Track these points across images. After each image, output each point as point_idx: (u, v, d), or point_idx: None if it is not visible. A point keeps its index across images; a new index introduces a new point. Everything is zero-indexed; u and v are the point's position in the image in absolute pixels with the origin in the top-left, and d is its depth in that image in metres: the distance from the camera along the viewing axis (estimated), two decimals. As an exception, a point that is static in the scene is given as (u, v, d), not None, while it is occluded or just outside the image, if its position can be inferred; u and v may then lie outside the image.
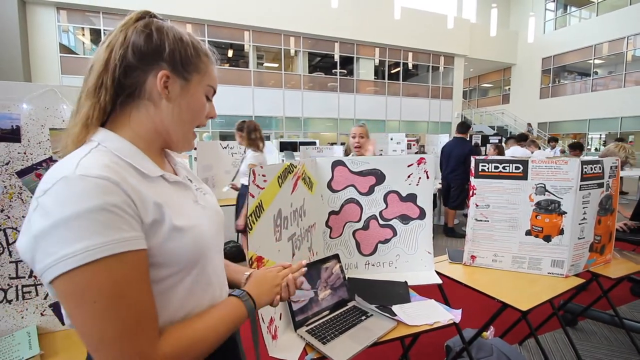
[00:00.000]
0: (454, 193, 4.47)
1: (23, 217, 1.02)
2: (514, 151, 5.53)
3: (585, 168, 1.43)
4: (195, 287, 0.56)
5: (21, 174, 1.01)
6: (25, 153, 1.02)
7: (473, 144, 6.96)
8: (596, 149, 14.12)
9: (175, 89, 0.56)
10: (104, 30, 10.59)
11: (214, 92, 0.64)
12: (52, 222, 0.41)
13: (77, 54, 10.88)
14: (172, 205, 0.52)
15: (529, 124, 15.43)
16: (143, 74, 0.54)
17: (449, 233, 4.60)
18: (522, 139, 6.04)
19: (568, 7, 14.89)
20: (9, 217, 1.01)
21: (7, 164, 1.00)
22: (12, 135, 1.00)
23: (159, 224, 0.49)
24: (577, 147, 5.85)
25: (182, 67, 0.56)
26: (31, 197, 1.03)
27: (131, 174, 0.49)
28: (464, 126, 4.47)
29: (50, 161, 1.05)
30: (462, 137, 4.47)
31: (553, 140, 8.57)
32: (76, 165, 0.45)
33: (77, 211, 0.41)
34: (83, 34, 11.05)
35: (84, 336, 0.44)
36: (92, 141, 0.52)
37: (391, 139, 5.41)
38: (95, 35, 10.98)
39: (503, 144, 6.40)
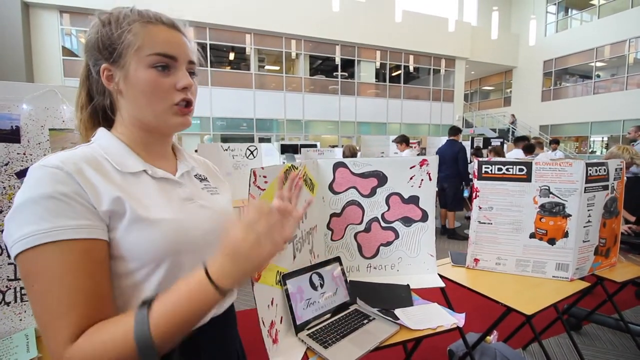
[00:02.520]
0: (449, 194, 4.57)
1: (22, 218, 1.02)
2: (515, 154, 5.51)
3: (590, 170, 1.42)
4: (167, 285, 0.49)
5: (20, 174, 1.01)
6: (24, 154, 1.01)
7: (474, 146, 6.97)
8: (592, 152, 14.09)
9: (119, 78, 0.55)
10: (107, 33, 10.64)
11: (171, 57, 0.55)
12: (15, 206, 0.45)
13: (79, 56, 10.93)
14: (140, 198, 0.53)
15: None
16: (99, 75, 0.56)
17: (451, 235, 4.60)
18: (523, 141, 6.01)
19: (569, 10, 14.89)
20: (7, 219, 1.00)
21: (6, 164, 0.99)
22: (12, 135, 0.99)
23: (119, 215, 0.50)
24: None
25: (110, 54, 0.54)
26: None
27: (101, 168, 0.52)
28: (454, 129, 4.72)
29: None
30: (453, 139, 4.65)
31: (554, 143, 8.55)
32: (46, 157, 0.49)
33: (30, 196, 0.45)
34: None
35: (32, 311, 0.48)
36: (90, 140, 0.57)
37: (392, 141, 5.42)
38: (98, 38, 11.03)
39: (506, 145, 6.40)
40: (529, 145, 5.55)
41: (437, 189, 4.45)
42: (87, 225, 0.47)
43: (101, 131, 0.58)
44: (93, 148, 0.55)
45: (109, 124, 0.60)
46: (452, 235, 4.60)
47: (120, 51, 0.53)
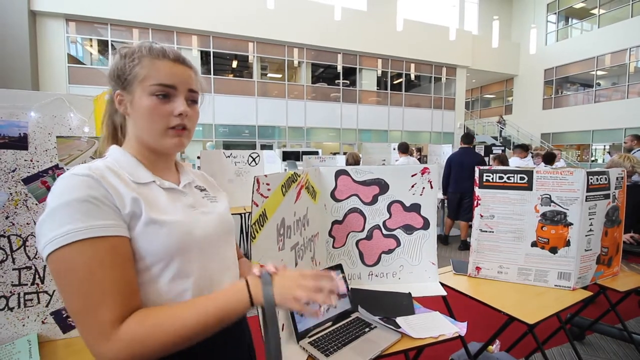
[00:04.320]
0: (468, 204, 4.36)
1: (28, 224, 1.03)
2: (514, 162, 5.50)
3: (591, 179, 1.42)
4: (179, 280, 0.60)
5: (27, 181, 1.02)
6: (31, 160, 1.03)
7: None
8: (594, 160, 14.07)
9: (127, 102, 0.64)
10: (112, 41, 10.79)
11: (170, 86, 0.63)
12: (49, 210, 0.52)
13: (84, 64, 11.06)
14: (153, 203, 0.60)
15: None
16: (114, 100, 0.66)
17: (465, 247, 4.44)
18: (523, 149, 6.02)
19: (569, 19, 15.02)
20: (13, 224, 1.01)
21: (13, 171, 1.01)
22: (20, 142, 1.01)
23: (136, 216, 0.57)
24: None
25: (123, 82, 0.64)
26: (36, 204, 1.03)
27: (119, 177, 0.59)
28: (469, 137, 4.55)
29: (56, 169, 1.06)
30: (468, 147, 4.51)
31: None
32: (75, 168, 0.56)
33: (65, 201, 0.51)
34: (91, 45, 11.25)
35: (66, 309, 0.53)
36: (105, 155, 0.66)
37: (394, 149, 5.43)
38: (103, 46, 11.18)
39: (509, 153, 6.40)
40: (549, 154, 5.53)
41: (452, 200, 4.44)
42: (114, 224, 0.54)
43: (113, 148, 0.67)
44: (109, 162, 0.63)
45: (119, 143, 0.70)
46: (466, 247, 4.42)
47: (129, 81, 0.63)
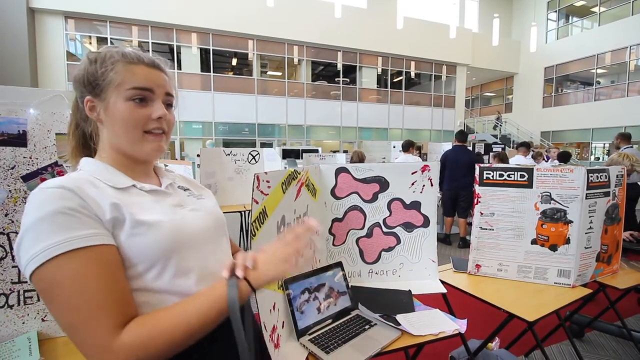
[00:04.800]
0: (464, 202, 4.40)
1: (27, 221, 1.02)
2: (517, 160, 5.50)
3: (591, 177, 1.42)
4: (179, 281, 0.58)
5: (26, 178, 1.02)
6: (30, 158, 1.03)
7: (475, 152, 6.97)
8: (597, 158, 14.06)
9: (100, 108, 0.62)
10: (111, 38, 10.76)
11: (148, 89, 0.62)
12: (24, 229, 0.49)
13: (83, 61, 11.03)
14: (136, 206, 0.58)
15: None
16: (84, 107, 0.63)
17: (465, 244, 4.46)
18: (525, 147, 6.02)
19: (570, 17, 14.98)
20: (12, 222, 1.01)
21: (12, 168, 1.00)
22: (19, 139, 1.01)
23: (120, 222, 0.54)
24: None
25: (93, 88, 0.61)
26: (35, 201, 1.03)
27: (95, 186, 0.56)
28: (463, 134, 4.55)
29: (55, 166, 1.05)
30: (463, 144, 4.51)
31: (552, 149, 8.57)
32: (45, 182, 0.53)
33: (38, 216, 0.49)
34: (90, 43, 11.22)
35: (59, 325, 0.50)
36: (78, 168, 0.63)
37: (394, 147, 5.43)
38: (102, 43, 11.13)
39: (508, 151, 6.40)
40: (564, 153, 5.57)
41: (447, 198, 4.46)
42: (95, 233, 0.51)
43: (85, 160, 0.64)
44: (82, 174, 0.59)
45: (90, 153, 0.67)
46: (466, 244, 4.43)
47: (102, 86, 0.60)
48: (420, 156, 7.03)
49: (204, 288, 0.58)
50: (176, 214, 0.62)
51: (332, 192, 1.45)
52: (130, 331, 0.49)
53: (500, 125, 15.57)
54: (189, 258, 0.60)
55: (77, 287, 0.48)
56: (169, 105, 0.66)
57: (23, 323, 1.02)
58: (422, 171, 1.44)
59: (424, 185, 1.44)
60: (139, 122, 0.61)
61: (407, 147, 5.10)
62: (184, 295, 0.57)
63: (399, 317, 1.14)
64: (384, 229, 1.47)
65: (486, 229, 1.55)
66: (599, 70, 13.76)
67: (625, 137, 4.56)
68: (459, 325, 1.12)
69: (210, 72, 11.78)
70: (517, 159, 5.59)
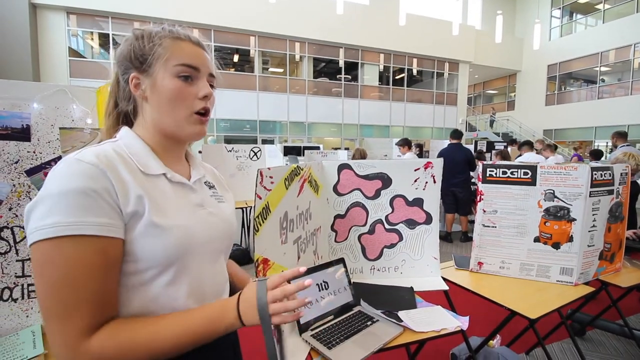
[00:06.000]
0: (463, 199, 4.48)
1: (30, 216, 1.03)
2: (527, 158, 5.44)
3: (595, 174, 1.41)
4: (174, 286, 0.56)
5: (30, 172, 1.02)
6: (34, 152, 1.03)
7: (477, 150, 6.95)
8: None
9: (146, 85, 0.60)
10: (113, 34, 10.74)
11: (194, 67, 0.60)
12: (42, 195, 0.47)
13: (85, 57, 11.03)
14: (157, 201, 0.55)
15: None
16: (127, 83, 0.61)
17: (466, 238, 4.54)
18: (529, 145, 6.00)
19: (574, 15, 14.87)
20: (16, 216, 1.01)
21: (16, 162, 1.00)
22: (22, 134, 1.01)
23: (138, 216, 0.52)
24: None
25: (141, 64, 0.59)
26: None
27: (128, 166, 0.55)
28: (458, 132, 4.64)
29: (59, 160, 1.05)
30: (458, 142, 4.58)
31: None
32: (82, 151, 0.51)
33: (61, 189, 0.47)
34: (92, 38, 11.21)
35: (38, 303, 0.48)
36: (115, 137, 0.61)
37: (395, 144, 5.42)
38: (104, 39, 11.13)
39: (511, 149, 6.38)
40: (596, 151, 5.62)
41: (445, 196, 4.49)
42: (108, 223, 0.49)
43: (125, 130, 0.62)
44: (119, 145, 0.58)
45: (129, 126, 0.64)
46: (467, 238, 4.53)
47: (150, 61, 0.59)
48: (419, 154, 7.03)
49: (194, 308, 0.57)
50: (194, 216, 0.61)
51: (335, 189, 1.44)
52: (99, 339, 0.48)
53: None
54: (188, 266, 0.58)
55: (69, 275, 0.46)
56: (211, 86, 0.65)
57: (27, 316, 1.03)
58: (425, 168, 1.43)
59: (426, 182, 1.44)
60: (187, 99, 0.60)
61: (403, 145, 5.14)
62: (169, 306, 0.56)
63: (401, 314, 1.15)
64: (386, 226, 1.47)
65: (489, 227, 1.55)
66: (603, 68, 13.67)
67: (621, 135, 4.62)
68: (461, 322, 1.12)
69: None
70: (528, 157, 5.53)
